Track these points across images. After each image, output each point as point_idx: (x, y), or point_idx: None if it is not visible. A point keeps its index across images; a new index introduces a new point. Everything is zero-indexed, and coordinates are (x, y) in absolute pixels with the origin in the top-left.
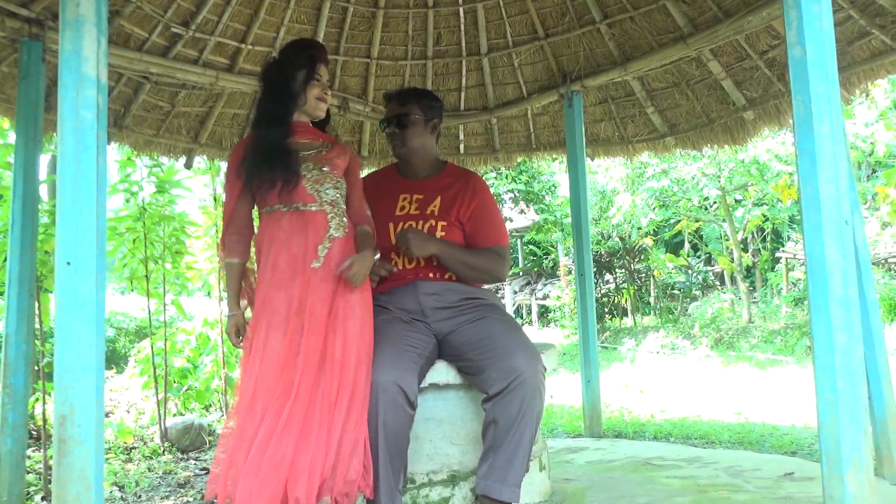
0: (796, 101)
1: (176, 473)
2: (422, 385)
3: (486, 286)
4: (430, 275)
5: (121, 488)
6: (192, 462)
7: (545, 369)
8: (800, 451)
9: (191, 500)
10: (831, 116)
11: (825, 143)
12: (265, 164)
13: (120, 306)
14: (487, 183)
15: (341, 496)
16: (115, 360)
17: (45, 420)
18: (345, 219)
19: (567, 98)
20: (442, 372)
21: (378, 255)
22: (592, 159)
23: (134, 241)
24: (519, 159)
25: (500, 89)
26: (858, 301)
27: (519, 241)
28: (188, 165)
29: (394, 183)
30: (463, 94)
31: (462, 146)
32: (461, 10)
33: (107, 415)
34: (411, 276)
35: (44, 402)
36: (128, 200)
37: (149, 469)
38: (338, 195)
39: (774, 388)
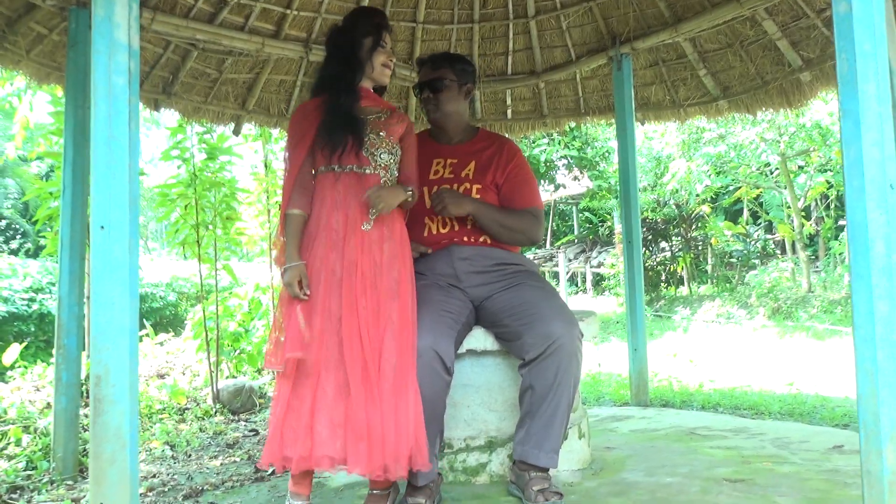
0: (840, 59)
1: (226, 434)
2: (459, 351)
3: (521, 251)
4: (464, 238)
5: (172, 447)
6: (243, 423)
7: (582, 335)
8: (852, 424)
9: (238, 460)
10: (878, 76)
11: (871, 103)
12: (337, 128)
13: (182, 271)
14: (540, 148)
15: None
16: (176, 323)
17: None
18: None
19: (616, 61)
20: (480, 338)
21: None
22: (643, 124)
23: (185, 207)
24: (570, 125)
25: (548, 53)
26: None
27: (574, 208)
28: (236, 132)
29: (426, 148)
30: (510, 58)
31: (510, 111)
32: None
33: (162, 376)
34: (445, 240)
35: None
36: (179, 167)
37: (200, 429)
38: (391, 160)
39: (831, 359)
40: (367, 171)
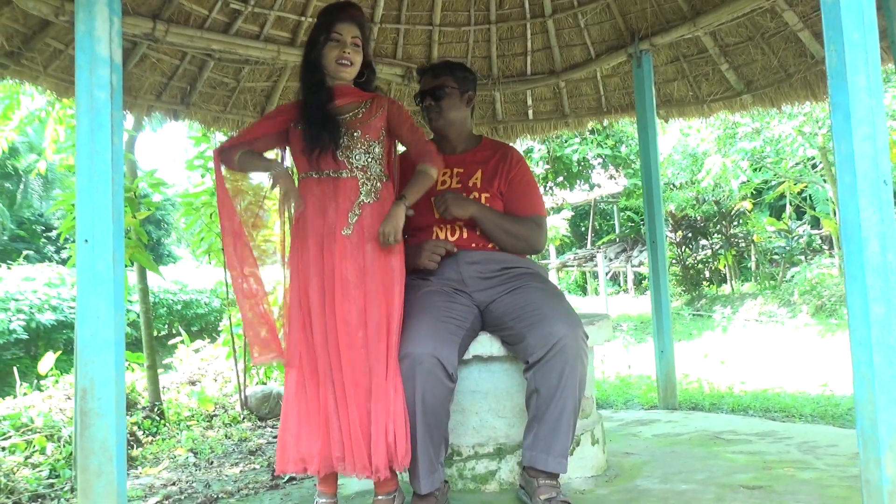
0: (829, 50)
1: (250, 441)
2: (466, 357)
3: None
4: (472, 245)
5: (196, 454)
6: (269, 430)
7: (587, 336)
8: None
9: (257, 467)
10: (868, 67)
11: (861, 96)
12: (315, 131)
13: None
14: (572, 148)
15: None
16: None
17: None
18: (378, 183)
19: (636, 58)
20: (486, 344)
21: (411, 211)
22: (666, 121)
23: (210, 215)
24: (600, 124)
25: (567, 51)
26: None
27: (615, 206)
28: None
29: None
30: (529, 59)
31: (531, 112)
32: None
33: (194, 383)
34: None
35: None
36: (203, 175)
37: (226, 436)
38: (369, 159)
39: None
40: (344, 175)
